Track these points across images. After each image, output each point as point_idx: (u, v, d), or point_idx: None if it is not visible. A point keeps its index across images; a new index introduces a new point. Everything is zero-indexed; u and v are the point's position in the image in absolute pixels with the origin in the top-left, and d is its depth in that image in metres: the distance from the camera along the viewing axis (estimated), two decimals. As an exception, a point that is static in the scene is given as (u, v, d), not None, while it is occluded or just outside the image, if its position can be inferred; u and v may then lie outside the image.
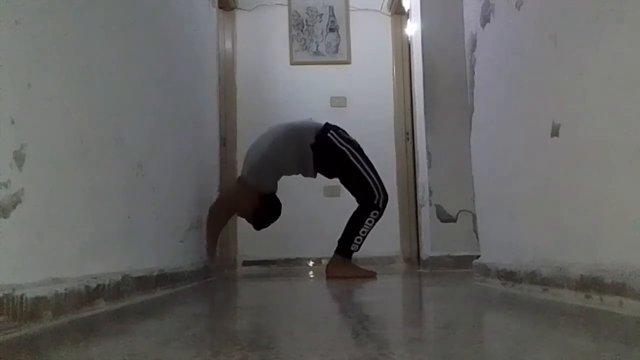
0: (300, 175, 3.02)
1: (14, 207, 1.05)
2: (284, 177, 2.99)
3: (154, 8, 2.05)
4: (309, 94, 4.71)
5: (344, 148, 2.84)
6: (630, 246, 1.09)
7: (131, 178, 1.72)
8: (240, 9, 4.78)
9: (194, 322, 1.17)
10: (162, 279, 1.96)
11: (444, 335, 0.93)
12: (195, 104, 2.80)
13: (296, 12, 4.83)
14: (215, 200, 2.96)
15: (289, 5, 4.82)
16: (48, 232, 1.19)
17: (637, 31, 1.06)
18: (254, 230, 3.08)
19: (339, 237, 2.85)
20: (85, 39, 1.41)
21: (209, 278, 2.77)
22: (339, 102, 4.74)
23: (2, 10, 1.03)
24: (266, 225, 2.97)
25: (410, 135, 4.56)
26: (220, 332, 1.06)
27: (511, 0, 1.68)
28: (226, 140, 4.43)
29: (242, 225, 4.06)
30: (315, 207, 4.47)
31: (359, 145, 2.91)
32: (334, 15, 4.84)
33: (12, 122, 1.05)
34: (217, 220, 2.89)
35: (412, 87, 3.86)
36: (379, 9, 4.85)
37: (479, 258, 2.14)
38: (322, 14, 4.84)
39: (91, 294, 1.34)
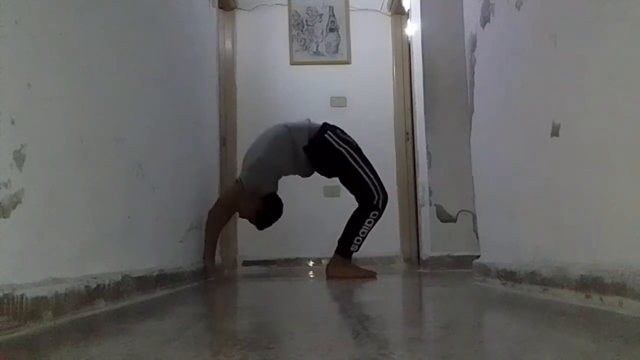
0: (299, 175, 3.02)
1: (14, 207, 1.05)
2: (284, 177, 2.99)
3: (154, 8, 2.05)
4: (309, 94, 4.71)
5: (341, 149, 2.83)
6: (630, 246, 1.09)
7: (131, 178, 1.72)
8: (240, 9, 4.78)
9: (194, 322, 1.17)
10: (162, 279, 1.96)
11: (444, 335, 0.93)
12: (195, 104, 2.80)
13: (296, 12, 4.83)
14: (214, 204, 2.95)
15: (289, 5, 4.82)
16: (48, 232, 1.19)
17: (637, 31, 1.06)
18: (253, 230, 3.08)
19: (338, 237, 2.85)
20: (85, 39, 1.41)
21: (209, 278, 2.77)
22: (339, 102, 4.74)
23: (2, 10, 1.03)
24: (269, 224, 2.97)
25: (410, 135, 4.56)
26: (220, 332, 1.06)
27: (511, 0, 1.68)
28: (226, 140, 4.43)
29: (242, 225, 4.07)
30: (315, 207, 4.47)
31: (357, 145, 2.90)
32: (334, 15, 4.84)
33: (12, 122, 1.05)
34: (216, 224, 2.88)
35: (412, 87, 3.86)
36: (379, 9, 4.85)
37: (479, 258, 2.14)
38: (322, 14, 4.84)
39: (91, 294, 1.34)
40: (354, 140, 2.91)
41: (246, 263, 4.50)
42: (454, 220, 3.22)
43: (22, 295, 1.02)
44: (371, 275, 2.75)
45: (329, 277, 2.78)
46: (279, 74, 4.75)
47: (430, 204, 3.26)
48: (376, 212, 2.82)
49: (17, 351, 0.87)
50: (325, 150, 2.84)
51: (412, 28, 3.66)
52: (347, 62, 4.79)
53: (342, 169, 2.87)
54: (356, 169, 2.83)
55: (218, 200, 3.02)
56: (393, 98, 4.76)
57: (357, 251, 2.83)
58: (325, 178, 3.06)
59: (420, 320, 1.25)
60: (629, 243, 1.10)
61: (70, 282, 1.23)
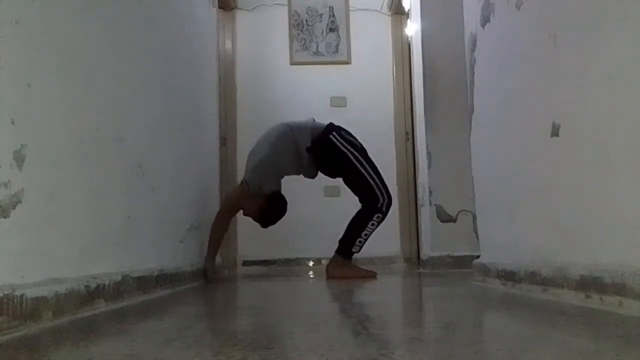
0: (301, 176, 3.01)
1: (14, 207, 1.05)
2: (285, 177, 2.99)
3: (154, 8, 2.05)
4: (309, 94, 4.71)
5: (346, 151, 2.80)
6: (630, 246, 1.09)
7: (131, 178, 1.72)
8: (240, 9, 4.78)
9: (194, 322, 1.17)
10: (162, 279, 1.96)
11: (444, 335, 0.93)
12: (195, 104, 2.80)
13: (296, 12, 4.83)
14: (220, 207, 2.95)
15: (289, 5, 4.82)
16: (48, 232, 1.19)
17: (637, 31, 1.06)
18: (254, 230, 3.07)
19: (339, 237, 2.84)
20: (85, 39, 1.41)
21: (208, 279, 2.76)
22: (339, 102, 4.74)
23: (2, 10, 1.03)
24: (273, 222, 2.95)
25: (410, 135, 4.56)
26: (220, 332, 1.06)
27: (511, 0, 1.68)
28: (226, 140, 4.43)
29: (242, 225, 4.08)
30: (315, 207, 4.47)
31: (362, 147, 2.87)
32: (334, 15, 4.84)
33: (12, 122, 1.05)
34: (221, 226, 2.87)
35: (412, 87, 3.86)
36: (379, 9, 4.85)
37: (479, 258, 2.14)
38: (322, 14, 4.84)
39: (91, 294, 1.34)
40: (359, 142, 2.88)
41: (246, 263, 4.50)
42: (454, 220, 3.22)
43: (22, 295, 1.02)
44: (371, 276, 2.75)
45: (329, 277, 2.77)
46: (279, 74, 4.75)
47: (430, 204, 3.26)
48: (380, 215, 2.80)
49: (17, 351, 0.87)
50: (330, 152, 2.82)
51: (412, 28, 3.66)
52: (347, 62, 4.78)
53: (346, 170, 2.84)
54: (361, 171, 2.80)
55: (222, 203, 3.01)
56: (393, 98, 4.76)
57: (358, 252, 2.82)
58: (326, 178, 3.05)
59: (420, 320, 1.25)
60: (629, 243, 1.10)
61: (70, 282, 1.24)
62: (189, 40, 2.68)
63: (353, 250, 2.79)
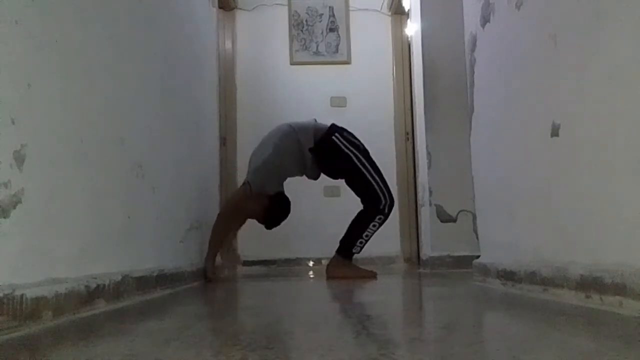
0: (306, 177, 3.00)
1: (14, 207, 1.05)
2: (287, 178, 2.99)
3: (154, 8, 2.05)
4: (309, 94, 4.71)
5: (349, 152, 2.80)
6: (630, 246, 1.09)
7: (131, 178, 1.72)
8: (240, 9, 4.78)
9: (194, 322, 1.17)
10: (162, 279, 1.96)
11: (444, 335, 0.93)
12: (195, 104, 2.80)
13: (296, 12, 4.83)
14: (222, 208, 2.95)
15: (289, 5, 4.82)
16: (48, 232, 1.19)
17: (637, 31, 1.06)
18: (253, 230, 3.07)
19: (339, 237, 2.84)
20: (85, 39, 1.41)
21: (207, 280, 2.76)
22: (339, 102, 4.74)
23: (2, 10, 1.03)
24: (277, 224, 2.95)
25: (410, 135, 4.56)
26: (220, 332, 1.06)
27: (511, 0, 1.68)
28: (226, 140, 4.43)
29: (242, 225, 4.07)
30: (315, 207, 4.47)
31: (365, 148, 2.86)
32: (334, 15, 4.84)
33: (12, 122, 1.05)
34: (223, 227, 2.86)
35: (412, 87, 3.86)
36: (379, 9, 4.85)
37: (479, 258, 2.14)
38: (322, 14, 4.84)
39: (91, 294, 1.34)
40: (361, 143, 2.88)
41: (246, 263, 4.50)
42: (454, 220, 3.22)
43: (22, 295, 1.02)
44: (371, 276, 2.75)
45: (329, 277, 2.77)
46: (279, 74, 4.75)
47: (430, 204, 3.26)
48: (382, 217, 2.80)
49: (17, 351, 0.87)
50: (333, 153, 2.81)
51: (412, 28, 3.66)
52: (347, 62, 4.78)
53: (349, 171, 2.84)
54: (363, 172, 2.80)
55: (224, 204, 3.01)
56: (393, 98, 4.76)
57: (358, 253, 2.82)
58: (327, 178, 3.04)
59: (421, 320, 1.25)
60: (629, 243, 1.10)
61: (70, 282, 1.24)
62: (189, 40, 2.68)
63: (354, 250, 2.79)
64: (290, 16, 4.82)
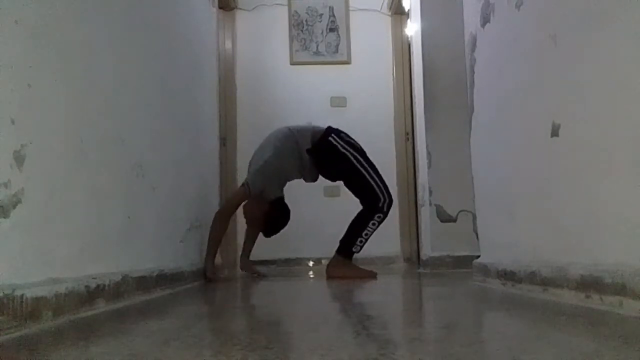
0: (303, 180, 3.01)
1: (14, 207, 1.05)
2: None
3: (154, 8, 2.05)
4: (309, 94, 4.71)
5: (346, 152, 2.82)
6: (630, 246, 1.09)
7: (131, 178, 1.72)
8: (240, 9, 4.78)
9: (194, 322, 1.17)
10: (162, 279, 1.96)
11: (444, 335, 0.93)
12: (195, 104, 2.80)
13: (296, 12, 4.83)
14: (221, 206, 2.96)
15: (289, 5, 4.82)
16: (48, 232, 1.19)
17: (637, 31, 1.06)
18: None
19: (339, 237, 2.84)
20: (85, 39, 1.41)
21: (207, 279, 2.76)
22: (339, 102, 4.74)
23: (2, 10, 1.03)
24: (277, 231, 2.98)
25: (410, 135, 4.56)
26: (220, 332, 1.06)
27: (511, 0, 1.68)
28: (226, 140, 4.43)
29: (242, 225, 4.06)
30: (315, 207, 4.47)
31: (362, 149, 2.88)
32: (334, 15, 4.84)
33: (12, 122, 1.05)
34: (221, 227, 2.86)
35: (412, 87, 3.86)
36: (379, 9, 4.85)
37: (479, 258, 2.14)
38: (322, 14, 4.84)
39: (91, 294, 1.34)
40: (358, 144, 2.90)
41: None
42: (454, 220, 3.22)
43: (22, 295, 1.02)
44: (371, 276, 2.75)
45: (329, 277, 2.78)
46: (279, 74, 4.75)
47: (430, 204, 3.26)
48: (381, 215, 2.81)
49: (17, 351, 0.87)
50: (330, 154, 2.83)
51: (412, 28, 3.66)
52: (347, 62, 4.79)
53: (347, 172, 2.85)
54: (361, 171, 2.81)
55: (223, 204, 3.01)
56: (393, 98, 4.76)
57: (358, 252, 2.82)
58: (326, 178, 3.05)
59: (421, 320, 1.25)
60: (629, 243, 1.10)
61: (70, 282, 1.24)
62: (189, 41, 2.68)
63: (353, 250, 2.80)
64: (290, 16, 4.82)
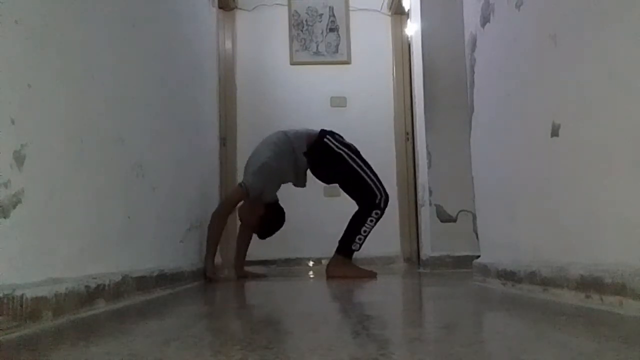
0: (293, 184, 3.02)
1: (14, 207, 1.05)
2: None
3: (154, 8, 2.05)
4: (309, 94, 4.71)
5: (341, 151, 2.87)
6: (630, 246, 1.09)
7: (131, 178, 1.72)
8: (240, 9, 4.78)
9: (194, 322, 1.17)
10: (162, 279, 1.96)
11: (444, 335, 0.93)
12: (195, 104, 2.80)
13: (296, 12, 4.83)
14: (218, 206, 2.96)
15: (289, 5, 4.82)
16: (48, 232, 1.19)
17: (637, 30, 1.06)
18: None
19: (339, 237, 2.86)
20: (85, 39, 1.41)
21: (207, 279, 2.76)
22: (339, 102, 4.74)
23: (2, 10, 1.03)
24: (271, 234, 3.00)
25: (410, 135, 4.56)
26: (220, 332, 1.06)
27: (511, 0, 1.68)
28: (226, 140, 4.43)
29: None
30: (315, 207, 4.47)
31: (356, 148, 2.93)
32: (334, 15, 4.84)
33: (12, 122, 1.05)
34: (219, 227, 2.87)
35: (412, 87, 3.86)
36: (379, 9, 4.85)
37: (479, 258, 2.14)
38: (322, 14, 4.84)
39: (91, 294, 1.34)
40: (352, 144, 2.95)
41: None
42: (454, 220, 3.22)
43: (22, 295, 1.02)
44: (371, 276, 2.76)
45: (329, 276, 2.78)
46: (279, 74, 4.75)
47: (430, 204, 3.26)
48: (378, 211, 2.83)
49: (17, 351, 0.87)
50: (326, 155, 2.87)
51: (412, 28, 3.66)
52: (347, 62, 4.79)
53: (342, 172, 2.88)
54: (356, 170, 2.85)
55: (221, 203, 3.02)
56: (393, 98, 4.76)
57: (358, 250, 2.83)
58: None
59: (421, 320, 1.25)
60: (629, 243, 1.10)
61: (70, 282, 1.23)
62: (189, 40, 2.68)
63: (353, 247, 2.81)
64: (290, 16, 4.82)
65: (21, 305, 1.02)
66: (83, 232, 1.36)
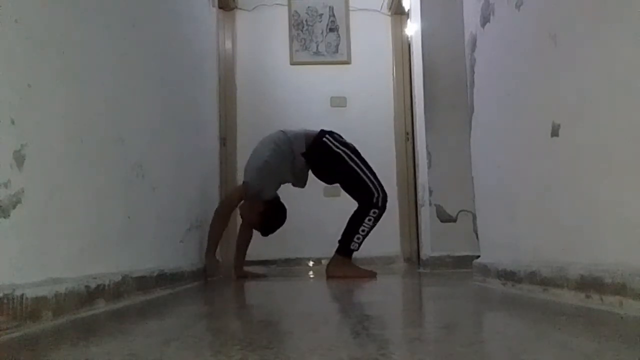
0: (291, 184, 3.03)
1: (14, 207, 1.05)
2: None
3: (154, 8, 2.05)
4: (309, 94, 4.71)
5: (339, 151, 2.87)
6: (630, 246, 1.09)
7: (131, 178, 1.72)
8: (240, 9, 4.78)
9: (194, 322, 1.17)
10: (162, 279, 1.96)
11: (444, 335, 0.93)
12: (195, 104, 2.80)
13: (296, 12, 4.83)
14: (219, 204, 2.97)
15: (289, 5, 4.82)
16: (48, 232, 1.19)
17: (637, 30, 1.06)
18: (253, 230, 3.08)
19: (339, 237, 2.86)
20: (85, 39, 1.41)
21: (209, 277, 2.77)
22: (339, 102, 4.74)
23: (2, 10, 1.03)
24: (273, 230, 3.00)
25: (410, 135, 4.56)
26: (220, 332, 1.06)
27: (511, 0, 1.68)
28: (226, 140, 4.43)
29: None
30: (315, 207, 4.47)
31: (355, 148, 2.94)
32: (334, 15, 4.84)
33: (12, 122, 1.05)
34: (220, 224, 2.88)
35: (412, 87, 3.86)
36: (379, 9, 4.85)
37: (479, 258, 2.14)
38: (322, 14, 4.84)
39: (91, 294, 1.34)
40: (351, 144, 2.95)
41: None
42: (454, 220, 3.22)
43: (22, 295, 1.02)
44: (371, 275, 2.76)
45: (329, 276, 2.78)
46: (279, 74, 4.75)
47: (430, 204, 3.26)
48: (376, 210, 2.83)
49: (17, 351, 0.87)
50: (324, 154, 2.88)
51: (412, 28, 3.66)
52: (347, 62, 4.79)
53: (341, 171, 2.88)
54: (354, 169, 2.86)
55: (222, 200, 3.03)
56: (393, 98, 4.76)
57: (357, 250, 2.83)
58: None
59: (421, 320, 1.25)
60: (629, 243, 1.10)
61: (70, 282, 1.23)
62: (189, 40, 2.68)
63: (352, 247, 2.81)
64: (290, 16, 4.82)
65: (21, 305, 1.02)
66: (83, 232, 1.36)
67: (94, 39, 1.46)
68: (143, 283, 1.74)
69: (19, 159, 1.07)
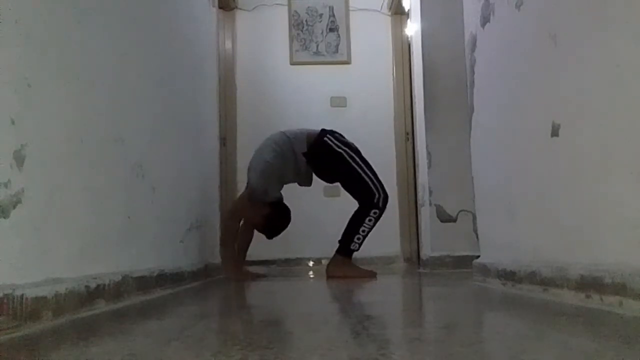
0: (297, 184, 3.03)
1: (14, 207, 1.05)
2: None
3: (154, 8, 2.05)
4: (309, 94, 4.71)
5: (340, 150, 2.87)
6: (630, 246, 1.09)
7: (131, 178, 1.72)
8: (240, 9, 4.78)
9: (194, 322, 1.17)
10: (162, 279, 1.96)
11: (444, 335, 0.93)
12: (195, 104, 2.80)
13: (296, 12, 4.83)
14: (227, 214, 2.99)
15: (289, 5, 4.82)
16: (48, 232, 1.19)
17: (637, 31, 1.06)
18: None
19: (339, 237, 2.86)
20: (85, 39, 1.41)
21: (209, 278, 2.77)
22: (339, 102, 4.74)
23: (2, 10, 1.03)
24: (278, 233, 2.99)
25: (410, 135, 4.56)
26: (220, 332, 1.06)
27: (511, 0, 1.68)
28: (226, 140, 4.43)
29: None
30: (315, 207, 4.47)
31: (356, 148, 2.94)
32: (334, 15, 4.84)
33: (12, 122, 1.05)
34: (230, 235, 2.89)
35: (412, 87, 3.86)
36: (379, 9, 4.85)
37: (479, 258, 2.14)
38: (322, 14, 4.84)
39: (91, 294, 1.34)
40: (353, 144, 2.95)
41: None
42: (454, 220, 3.22)
43: (22, 295, 1.02)
44: (371, 275, 2.76)
45: (329, 276, 2.78)
46: (279, 74, 4.75)
47: (430, 204, 3.26)
48: (376, 211, 2.83)
49: (17, 351, 0.87)
50: (326, 153, 2.88)
51: (412, 28, 3.66)
52: (347, 62, 4.78)
53: (342, 170, 2.89)
54: (355, 169, 2.86)
55: (230, 210, 3.04)
56: (393, 98, 4.76)
57: (357, 250, 2.83)
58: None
59: (421, 320, 1.25)
60: (629, 243, 1.10)
61: (70, 282, 1.24)
62: (189, 40, 2.68)
63: (352, 247, 2.81)
64: (290, 16, 4.82)
65: (21, 305, 1.02)
66: (83, 232, 1.36)
67: (94, 39, 1.46)
68: (143, 283, 1.74)
69: (19, 159, 1.07)
